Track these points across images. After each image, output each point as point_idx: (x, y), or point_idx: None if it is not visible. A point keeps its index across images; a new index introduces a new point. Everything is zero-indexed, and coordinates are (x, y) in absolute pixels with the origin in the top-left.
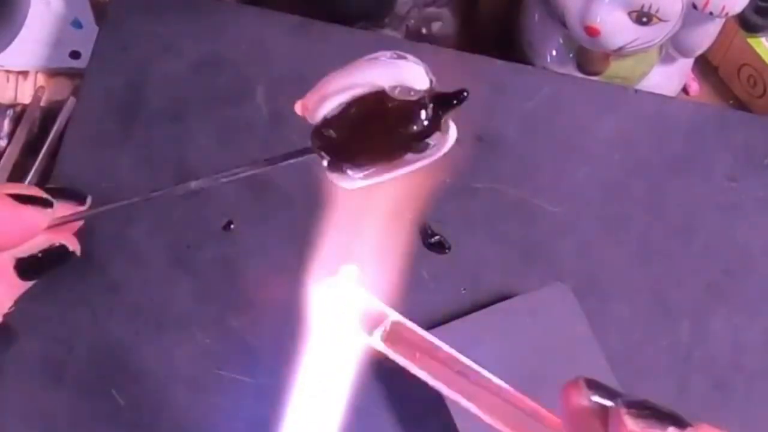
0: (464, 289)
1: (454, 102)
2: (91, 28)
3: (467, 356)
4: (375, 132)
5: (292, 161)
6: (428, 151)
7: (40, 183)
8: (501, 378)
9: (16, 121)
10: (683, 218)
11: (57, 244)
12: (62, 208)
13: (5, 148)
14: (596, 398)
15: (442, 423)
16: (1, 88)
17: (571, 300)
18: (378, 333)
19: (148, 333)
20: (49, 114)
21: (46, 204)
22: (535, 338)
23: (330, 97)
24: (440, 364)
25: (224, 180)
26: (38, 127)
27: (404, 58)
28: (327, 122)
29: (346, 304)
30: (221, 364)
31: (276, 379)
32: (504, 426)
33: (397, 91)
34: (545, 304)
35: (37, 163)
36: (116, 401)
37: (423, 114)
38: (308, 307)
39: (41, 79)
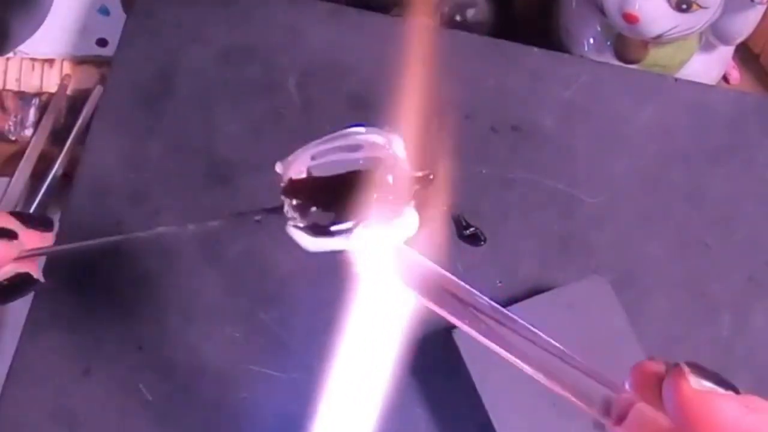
0: (500, 282)
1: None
2: (118, 15)
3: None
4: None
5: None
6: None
7: (67, 173)
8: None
9: (42, 110)
10: (723, 209)
11: (22, 273)
12: (30, 236)
13: (31, 138)
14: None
15: (479, 422)
16: (26, 76)
17: (608, 293)
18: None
19: (177, 327)
20: (76, 103)
21: (11, 236)
22: (572, 332)
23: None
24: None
25: (192, 228)
26: (64, 116)
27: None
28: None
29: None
30: (251, 359)
31: (307, 374)
32: (552, 381)
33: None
34: (582, 298)
35: (63, 153)
36: (144, 396)
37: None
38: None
39: (67, 68)
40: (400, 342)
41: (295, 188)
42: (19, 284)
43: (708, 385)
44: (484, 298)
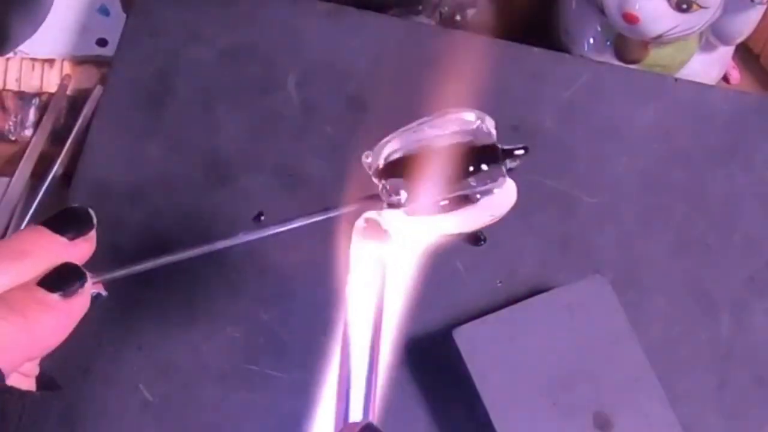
0: (500, 282)
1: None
2: (118, 15)
3: (503, 350)
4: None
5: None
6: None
7: (67, 173)
8: (539, 372)
9: (42, 110)
10: (724, 209)
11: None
12: (73, 248)
13: (31, 138)
14: None
15: (479, 421)
16: (26, 76)
17: (609, 293)
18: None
19: (177, 327)
20: (76, 103)
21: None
22: (572, 332)
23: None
24: None
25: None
26: (64, 116)
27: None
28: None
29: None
30: (251, 359)
31: (308, 374)
32: None
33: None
34: (583, 297)
35: (63, 153)
36: (144, 396)
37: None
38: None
39: (67, 68)
40: (399, 341)
41: (387, 170)
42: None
43: None
44: None
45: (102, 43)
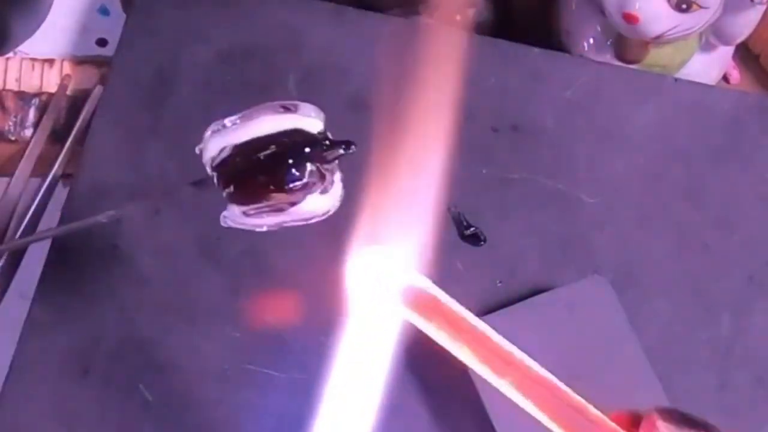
0: (500, 282)
1: (340, 149)
2: (118, 15)
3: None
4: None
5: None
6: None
7: (67, 173)
8: None
9: (42, 110)
10: (723, 209)
11: None
12: None
13: (31, 138)
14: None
15: (478, 422)
16: (26, 76)
17: (609, 293)
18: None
19: (177, 327)
20: (76, 103)
21: None
22: (572, 332)
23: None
24: (477, 342)
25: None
26: (64, 116)
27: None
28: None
29: (382, 276)
30: (251, 359)
31: (307, 374)
32: (542, 413)
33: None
34: (583, 297)
35: (63, 153)
36: (144, 396)
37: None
38: (344, 286)
39: (67, 68)
40: (399, 342)
41: (217, 168)
42: None
43: None
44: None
45: (102, 43)
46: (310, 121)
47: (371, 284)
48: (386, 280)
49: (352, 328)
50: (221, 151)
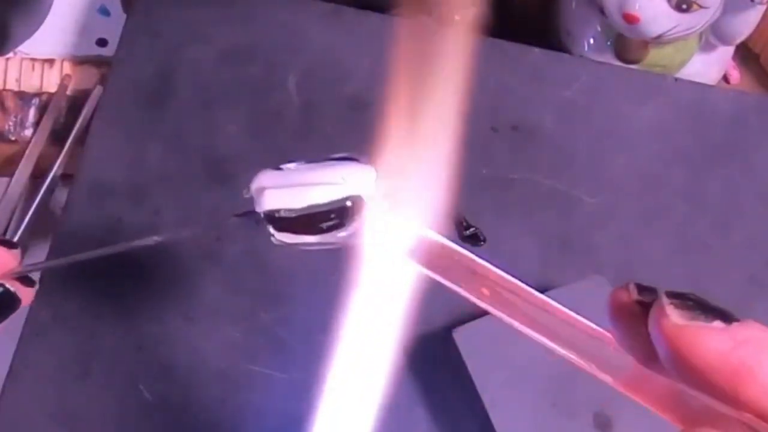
0: None
1: None
2: (118, 16)
3: (503, 350)
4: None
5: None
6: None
7: (67, 173)
8: (539, 372)
9: (42, 110)
10: (724, 209)
11: (13, 290)
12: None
13: (31, 138)
14: (643, 297)
15: (479, 421)
16: (26, 76)
17: (609, 293)
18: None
19: (177, 326)
20: (76, 103)
21: (11, 246)
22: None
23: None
24: (484, 280)
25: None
26: (64, 116)
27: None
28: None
29: (390, 227)
30: (252, 359)
31: (308, 374)
32: (556, 342)
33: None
34: (583, 298)
35: (63, 153)
36: (144, 396)
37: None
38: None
39: (67, 68)
40: (400, 341)
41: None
42: (3, 302)
43: (692, 318)
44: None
45: (102, 43)
46: (362, 184)
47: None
48: (398, 233)
49: (352, 328)
50: (277, 209)
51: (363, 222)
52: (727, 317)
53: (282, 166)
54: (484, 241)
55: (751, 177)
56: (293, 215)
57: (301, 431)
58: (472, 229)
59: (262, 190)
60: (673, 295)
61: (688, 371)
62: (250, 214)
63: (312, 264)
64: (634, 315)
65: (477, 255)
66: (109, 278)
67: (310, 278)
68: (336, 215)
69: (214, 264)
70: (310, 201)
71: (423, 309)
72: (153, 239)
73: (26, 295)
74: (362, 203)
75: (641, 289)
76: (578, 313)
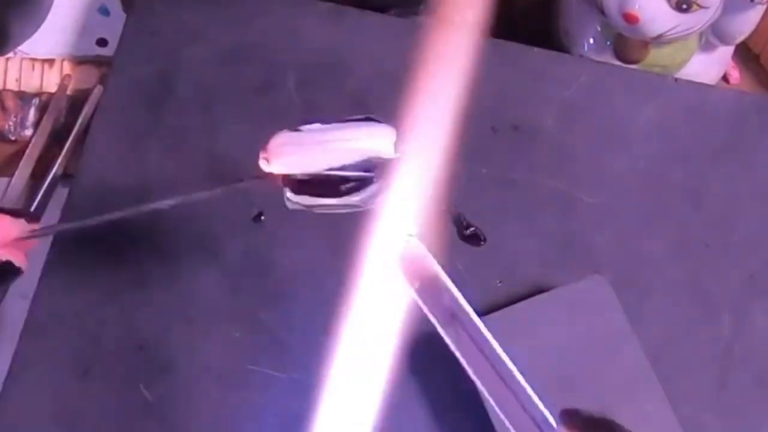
0: (500, 282)
1: None
2: (118, 15)
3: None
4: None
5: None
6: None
7: (67, 172)
8: (538, 372)
9: (42, 110)
10: (724, 209)
11: (5, 261)
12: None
13: (31, 138)
14: None
15: (479, 421)
16: (26, 76)
17: (609, 293)
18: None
19: (177, 327)
20: (76, 103)
21: (17, 215)
22: (572, 332)
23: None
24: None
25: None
26: (64, 116)
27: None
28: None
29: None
30: (251, 359)
31: (308, 375)
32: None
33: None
34: (583, 297)
35: (63, 153)
36: (144, 396)
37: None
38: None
39: (67, 68)
40: (400, 341)
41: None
42: (3, 272)
43: None
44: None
45: (102, 43)
46: (382, 143)
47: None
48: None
49: (352, 328)
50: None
51: (382, 185)
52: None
53: (300, 127)
54: (484, 241)
55: (751, 177)
56: (309, 177)
57: (301, 431)
58: (472, 229)
59: (279, 150)
60: (565, 414)
61: None
62: (267, 176)
63: (312, 264)
64: None
65: (477, 256)
66: (108, 279)
67: (309, 279)
68: (355, 177)
69: (214, 264)
70: (329, 163)
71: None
72: (166, 203)
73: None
74: (382, 164)
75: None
76: (579, 312)
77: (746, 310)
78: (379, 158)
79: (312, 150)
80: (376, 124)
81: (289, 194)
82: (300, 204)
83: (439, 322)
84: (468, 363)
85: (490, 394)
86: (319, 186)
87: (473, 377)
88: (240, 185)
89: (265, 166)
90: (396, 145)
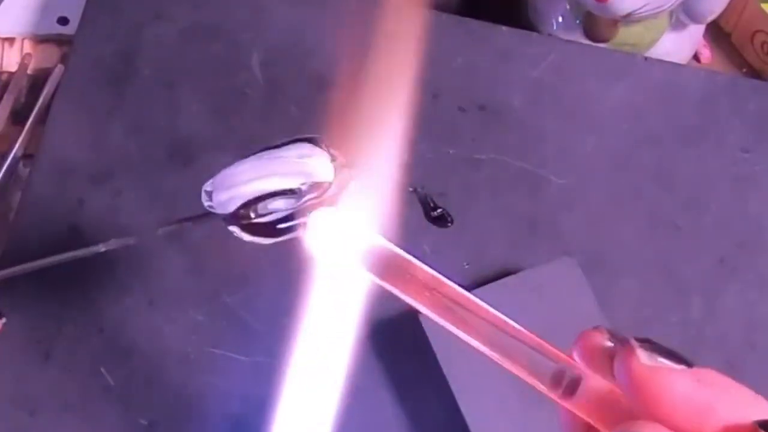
0: (467, 264)
1: None
2: None
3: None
4: None
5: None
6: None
7: (28, 153)
8: None
9: (2, 89)
10: (694, 190)
11: None
12: None
13: None
14: (612, 341)
15: (445, 405)
16: None
17: (578, 275)
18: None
19: (139, 309)
20: (37, 82)
21: None
22: (541, 314)
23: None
24: (434, 293)
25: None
26: (25, 95)
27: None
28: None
29: (343, 235)
30: (214, 342)
31: (271, 358)
32: (502, 357)
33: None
34: (551, 280)
35: (23, 133)
36: (106, 380)
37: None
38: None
39: (28, 46)
40: (365, 325)
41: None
42: None
43: (659, 360)
44: (441, 276)
45: (63, 21)
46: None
47: (333, 246)
48: (348, 241)
49: (316, 311)
50: (230, 200)
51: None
52: (687, 361)
53: (237, 163)
54: (452, 222)
55: (722, 158)
56: (250, 221)
57: (265, 414)
58: (439, 210)
59: (216, 195)
60: (641, 340)
61: (653, 407)
62: (206, 216)
63: (275, 247)
64: (602, 355)
65: (444, 238)
66: (70, 262)
67: (273, 261)
68: (291, 218)
69: (177, 246)
70: (267, 209)
71: (388, 291)
72: (101, 247)
73: None
74: (321, 191)
75: (611, 334)
76: (548, 295)
77: (717, 293)
78: (316, 182)
79: (246, 189)
80: (313, 149)
81: (231, 228)
82: (245, 240)
83: (416, 300)
84: (465, 333)
85: (499, 352)
86: (258, 227)
87: (476, 344)
88: (182, 225)
89: (207, 201)
90: (334, 167)
